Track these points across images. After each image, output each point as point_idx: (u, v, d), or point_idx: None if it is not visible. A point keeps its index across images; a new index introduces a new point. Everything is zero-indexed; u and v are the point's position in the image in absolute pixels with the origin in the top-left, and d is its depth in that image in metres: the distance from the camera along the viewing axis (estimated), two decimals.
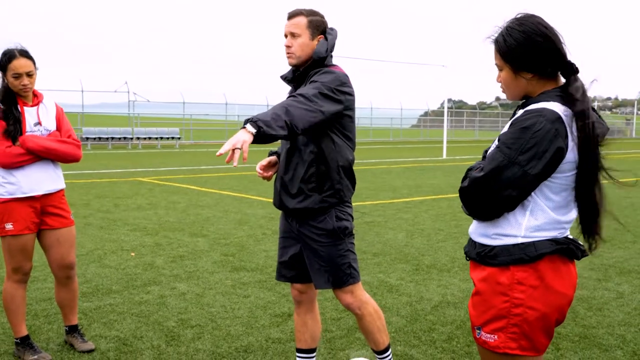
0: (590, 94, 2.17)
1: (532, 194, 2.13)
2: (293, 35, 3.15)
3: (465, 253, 2.31)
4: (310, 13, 3.17)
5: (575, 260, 2.24)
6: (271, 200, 3.76)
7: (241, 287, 5.59)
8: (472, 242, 2.28)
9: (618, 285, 5.72)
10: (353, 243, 3.31)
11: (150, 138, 32.12)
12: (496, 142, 2.18)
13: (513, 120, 2.16)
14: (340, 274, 3.24)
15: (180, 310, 4.91)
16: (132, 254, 6.82)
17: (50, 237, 4.03)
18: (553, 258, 2.15)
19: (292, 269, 3.39)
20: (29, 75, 3.85)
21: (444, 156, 25.47)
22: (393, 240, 7.68)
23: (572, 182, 2.14)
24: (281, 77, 3.33)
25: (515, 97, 2.24)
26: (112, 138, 30.68)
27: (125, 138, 31.33)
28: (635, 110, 69.91)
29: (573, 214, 2.21)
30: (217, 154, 2.60)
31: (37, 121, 3.94)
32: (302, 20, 3.15)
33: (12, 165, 3.82)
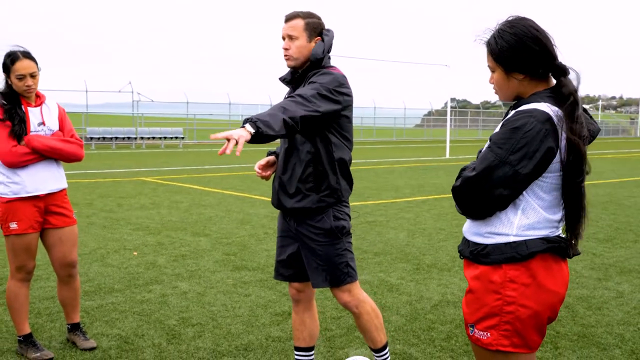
0: (582, 93, 2.20)
1: (524, 193, 2.16)
2: (290, 37, 3.19)
3: (459, 252, 2.35)
4: (307, 15, 3.21)
5: (567, 259, 2.27)
6: None
7: (242, 286, 5.63)
8: (465, 241, 2.31)
9: (618, 284, 5.73)
10: (350, 242, 3.34)
11: (154, 138, 32.17)
12: (488, 142, 2.21)
13: (504, 121, 2.20)
14: (338, 273, 3.27)
15: (181, 309, 4.95)
16: (135, 253, 6.87)
17: (53, 235, 4.08)
18: (545, 256, 2.18)
19: (290, 268, 3.43)
20: (33, 76, 3.90)
21: (447, 156, 25.46)
22: (394, 240, 7.71)
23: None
24: (280, 79, 3.36)
25: (508, 98, 2.28)
26: (116, 138, 30.72)
27: (129, 138, 31.36)
28: (639, 110, 69.70)
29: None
30: (219, 153, 2.62)
31: (41, 121, 3.99)
32: (299, 23, 3.18)
33: (18, 165, 3.87)
